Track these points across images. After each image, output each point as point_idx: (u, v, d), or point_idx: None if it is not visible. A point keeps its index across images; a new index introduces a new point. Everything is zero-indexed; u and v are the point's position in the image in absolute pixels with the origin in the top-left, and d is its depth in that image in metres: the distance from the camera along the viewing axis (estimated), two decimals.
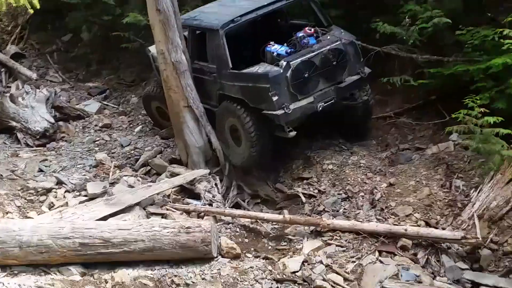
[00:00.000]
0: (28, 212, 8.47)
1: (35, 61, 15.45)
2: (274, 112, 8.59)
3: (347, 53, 9.02)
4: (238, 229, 8.38)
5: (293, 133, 8.83)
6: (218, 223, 8.43)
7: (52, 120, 11.45)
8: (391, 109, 10.02)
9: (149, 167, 10.12)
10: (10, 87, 14.13)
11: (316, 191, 8.80)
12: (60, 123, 11.87)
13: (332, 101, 8.97)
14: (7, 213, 8.23)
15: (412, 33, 9.01)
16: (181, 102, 9.56)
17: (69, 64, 15.21)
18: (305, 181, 9.07)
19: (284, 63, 8.66)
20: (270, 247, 7.97)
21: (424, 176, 8.22)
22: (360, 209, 8.14)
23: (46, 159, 10.41)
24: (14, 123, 11.22)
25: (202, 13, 9.99)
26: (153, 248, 7.26)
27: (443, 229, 7.34)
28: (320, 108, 8.84)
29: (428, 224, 7.50)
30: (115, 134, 11.50)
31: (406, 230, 7.28)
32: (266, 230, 8.29)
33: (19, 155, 10.51)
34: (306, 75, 8.73)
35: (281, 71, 8.63)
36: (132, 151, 10.69)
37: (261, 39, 9.46)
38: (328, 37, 9.12)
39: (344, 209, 8.30)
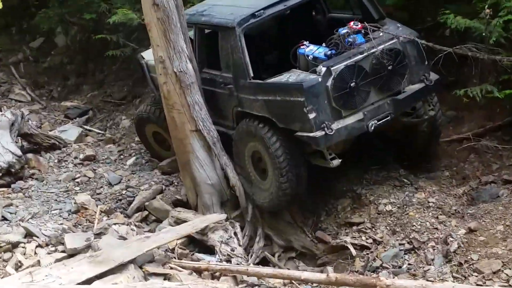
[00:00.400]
0: None
1: None
2: (311, 134, 8.52)
3: (406, 55, 8.99)
4: None
5: (337, 162, 8.80)
6: (240, 286, 8.40)
7: (19, 152, 11.54)
8: (468, 129, 9.96)
9: (146, 212, 10.18)
10: None
11: (370, 240, 8.74)
12: (29, 155, 11.97)
13: (388, 117, 8.93)
14: None
15: (494, 28, 8.98)
16: (187, 125, 9.62)
17: (40, 78, 15.48)
18: (355, 228, 9.03)
19: (324, 69, 8.61)
20: None
21: None
22: (430, 264, 8.05)
23: (11, 204, 10.47)
24: None
25: (213, 6, 10.08)
26: None
27: None
28: (373, 128, 8.80)
29: None
30: (101, 169, 11.60)
31: None
32: None
33: None
34: (352, 84, 8.67)
35: (320, 79, 8.58)
36: (124, 191, 10.75)
37: (290, 39, 9.54)
38: (381, 34, 9.07)
39: (409, 264, 8.22)
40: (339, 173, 9.85)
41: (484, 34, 9.13)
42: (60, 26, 15.65)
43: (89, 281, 8.11)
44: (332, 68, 8.58)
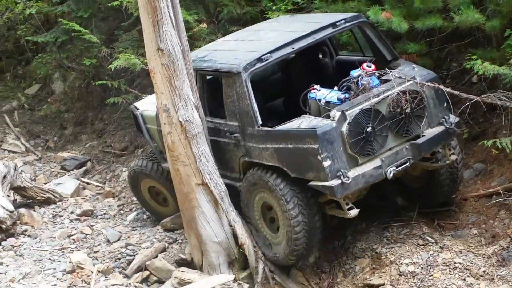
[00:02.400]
0: None
1: None
2: (327, 184, 8.51)
3: (425, 96, 9.03)
4: None
5: (355, 212, 8.78)
6: None
7: (11, 207, 11.57)
8: (498, 183, 9.91)
9: (147, 272, 10.13)
10: None
11: None
12: (22, 210, 12.02)
13: (408, 163, 8.96)
14: None
15: None
16: (192, 178, 9.61)
17: (36, 127, 15.58)
18: None
19: (338, 114, 8.63)
20: None
21: None
22: None
23: (1, 263, 10.47)
24: None
25: (214, 51, 10.18)
26: None
27: None
28: (391, 175, 8.82)
29: None
30: (99, 225, 11.61)
31: None
32: None
33: None
34: (369, 129, 8.70)
35: (334, 124, 8.59)
36: (123, 249, 10.73)
37: (295, 84, 9.75)
38: (397, 75, 9.14)
39: None
40: (357, 230, 9.86)
41: None
42: (57, 72, 15.83)
43: None
44: (346, 113, 8.62)
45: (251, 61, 9.14)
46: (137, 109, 11.35)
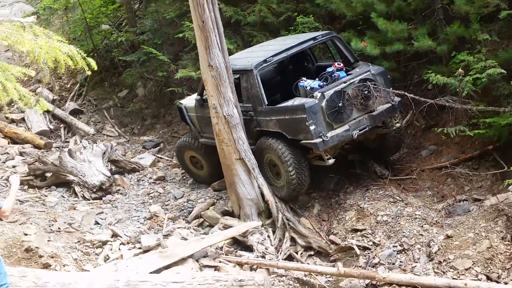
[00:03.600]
0: (84, 265, 8.55)
1: (92, 117, 15.92)
2: (313, 141, 8.88)
3: (377, 82, 9.33)
4: (291, 282, 8.28)
5: (332, 161, 9.18)
6: (271, 276, 8.33)
7: (108, 174, 11.64)
8: (446, 159, 9.79)
9: (202, 219, 10.11)
10: (68, 142, 14.58)
11: (370, 243, 8.61)
12: (116, 176, 12.07)
13: (366, 128, 9.24)
14: (64, 265, 8.33)
15: (465, 84, 8.89)
16: (233, 154, 9.58)
17: (125, 119, 15.60)
18: (359, 233, 8.88)
19: (319, 94, 8.99)
20: None
21: (483, 228, 7.94)
22: (417, 262, 7.90)
23: (102, 212, 10.54)
24: (72, 177, 11.46)
25: (235, 59, 10.24)
26: None
27: (506, 283, 7.06)
28: (356, 135, 9.11)
29: (489, 278, 7.23)
30: (168, 187, 11.61)
31: (466, 284, 7.04)
32: (320, 283, 8.16)
33: (76, 208, 10.68)
34: (340, 105, 9.04)
35: (317, 101, 8.94)
36: (185, 203, 10.73)
37: (289, 82, 9.92)
38: (357, 70, 9.55)
39: (400, 262, 8.07)
40: (347, 191, 9.79)
41: (458, 88, 9.05)
42: (140, 81, 15.81)
43: (158, 271, 8.14)
44: (325, 93, 8.99)
45: (259, 61, 9.47)
46: (181, 104, 11.43)
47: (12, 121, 15.06)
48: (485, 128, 8.90)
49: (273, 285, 8.00)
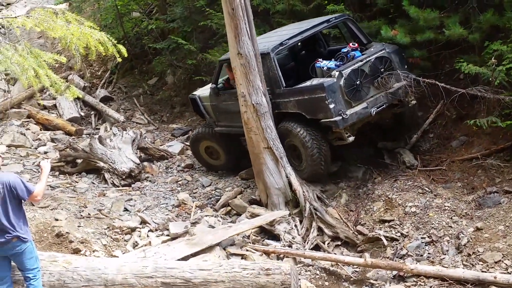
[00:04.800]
0: (113, 251, 8.65)
1: (122, 104, 16.07)
2: (333, 119, 9.00)
3: (392, 61, 9.46)
4: (318, 272, 8.27)
5: (352, 138, 9.26)
6: (298, 265, 8.33)
7: (138, 161, 11.75)
8: (477, 150, 9.62)
9: (229, 208, 10.15)
10: (99, 129, 14.75)
11: (398, 234, 8.53)
12: (145, 163, 12.16)
13: (384, 106, 9.35)
14: (93, 251, 8.45)
15: (498, 73, 8.73)
16: (261, 143, 9.56)
17: (154, 107, 15.71)
18: (387, 224, 8.80)
19: (337, 73, 9.11)
20: None
21: None
22: (445, 254, 7.82)
23: (131, 199, 10.64)
24: (102, 164, 11.59)
25: None
26: None
27: None
28: (374, 113, 9.23)
29: None
30: (196, 175, 11.66)
31: (495, 277, 6.94)
32: (347, 274, 8.12)
33: (106, 195, 10.81)
34: (358, 83, 9.16)
35: (335, 80, 9.05)
36: (213, 191, 10.78)
37: (303, 66, 10.08)
38: (372, 49, 9.67)
39: (428, 253, 7.99)
40: (375, 182, 9.70)
41: (490, 78, 8.89)
42: (169, 69, 15.87)
43: (186, 258, 8.19)
44: (343, 72, 9.12)
45: (276, 45, 9.57)
46: (195, 95, 11.50)
47: (44, 107, 15.30)
48: None
49: (299, 274, 8.00)
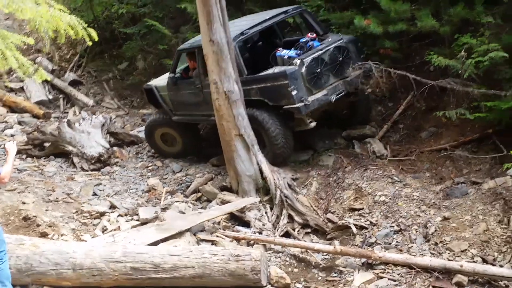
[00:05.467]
0: (82, 235, 8.54)
1: (92, 88, 15.84)
2: (295, 105, 9.29)
3: (349, 50, 9.79)
4: (288, 259, 8.28)
5: (313, 124, 9.58)
6: (268, 252, 8.34)
7: (107, 146, 11.60)
8: (446, 142, 9.77)
9: (200, 194, 10.09)
10: (67, 113, 14.51)
11: (367, 222, 8.57)
12: (115, 148, 12.01)
13: (343, 93, 9.70)
14: (61, 235, 8.32)
15: (467, 66, 8.84)
16: (232, 130, 9.50)
17: (124, 91, 15.53)
18: (356, 212, 8.84)
19: (299, 61, 9.39)
20: (320, 278, 7.85)
21: (480, 211, 7.93)
22: (413, 243, 7.90)
23: (100, 183, 10.52)
24: (70, 148, 11.42)
25: None
26: (203, 275, 7.23)
27: (501, 266, 7.07)
28: (334, 100, 9.56)
29: (485, 261, 7.23)
30: (167, 160, 11.54)
31: (461, 266, 7.04)
32: (316, 261, 8.15)
33: (74, 179, 10.66)
34: (318, 71, 9.46)
35: (297, 68, 9.34)
36: (184, 177, 10.70)
37: (260, 57, 10.30)
38: (330, 39, 10.01)
39: (397, 242, 8.06)
40: (346, 171, 9.75)
41: (460, 71, 9.01)
42: (140, 54, 15.71)
43: (156, 243, 8.13)
44: (304, 60, 9.42)
45: (237, 34, 9.71)
46: (151, 85, 11.51)
47: (11, 90, 15.00)
48: (486, 112, 8.83)
49: (269, 261, 8.01)
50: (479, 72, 8.97)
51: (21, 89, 15.13)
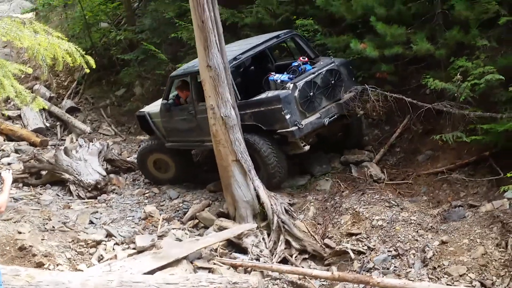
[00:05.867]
0: (78, 264, 8.52)
1: (89, 115, 15.91)
2: (289, 129, 9.39)
3: (341, 73, 9.95)
4: (285, 285, 8.25)
5: (307, 147, 9.68)
6: (265, 279, 8.31)
7: (104, 173, 11.62)
8: (442, 165, 9.77)
9: (197, 220, 10.08)
10: (64, 140, 14.56)
11: (365, 247, 8.55)
12: (112, 175, 12.05)
13: (336, 116, 9.82)
14: (57, 265, 8.30)
15: (463, 89, 8.90)
16: (229, 156, 9.52)
17: (122, 118, 15.60)
18: (354, 237, 8.81)
19: (291, 85, 9.50)
20: None
21: (478, 234, 7.91)
22: (411, 268, 7.88)
23: (97, 211, 10.51)
24: (67, 176, 11.44)
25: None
26: None
27: None
28: (327, 123, 9.68)
29: (483, 285, 7.21)
30: (164, 187, 11.54)
31: None
32: (314, 287, 8.11)
33: (71, 207, 10.66)
34: (311, 94, 9.59)
35: (290, 92, 9.44)
36: (181, 204, 10.70)
37: (252, 82, 10.41)
38: (322, 62, 10.11)
39: (395, 267, 8.04)
40: (343, 195, 9.76)
41: (456, 94, 9.06)
42: (137, 80, 15.81)
43: (152, 272, 8.10)
44: (297, 84, 9.53)
45: (230, 60, 9.68)
46: (143, 112, 11.56)
47: (8, 118, 15.06)
48: (482, 134, 8.87)
49: (267, 287, 7.97)
50: (475, 95, 9.03)
51: (19, 116, 15.21)
